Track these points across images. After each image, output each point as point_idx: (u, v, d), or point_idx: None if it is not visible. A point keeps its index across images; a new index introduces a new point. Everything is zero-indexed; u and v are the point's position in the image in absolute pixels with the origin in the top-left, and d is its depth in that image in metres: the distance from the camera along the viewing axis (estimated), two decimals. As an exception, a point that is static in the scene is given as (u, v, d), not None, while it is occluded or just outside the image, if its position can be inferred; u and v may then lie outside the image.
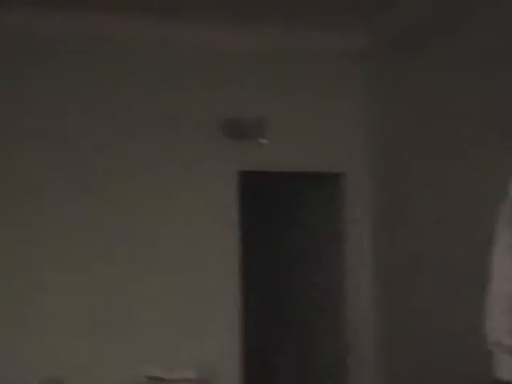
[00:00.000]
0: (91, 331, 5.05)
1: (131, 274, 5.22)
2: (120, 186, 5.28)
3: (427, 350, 4.87)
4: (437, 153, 4.90)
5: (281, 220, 6.79)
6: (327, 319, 5.89)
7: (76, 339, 5.03)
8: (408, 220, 5.22)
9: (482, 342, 2.59)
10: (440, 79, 4.91)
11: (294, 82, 5.65)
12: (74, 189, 5.17)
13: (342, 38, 5.66)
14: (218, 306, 5.33)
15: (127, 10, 5.13)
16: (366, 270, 5.61)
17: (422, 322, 4.97)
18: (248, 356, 5.68)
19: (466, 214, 4.53)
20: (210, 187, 5.43)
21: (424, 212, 5.02)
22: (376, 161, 5.63)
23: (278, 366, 6.81)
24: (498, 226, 2.66)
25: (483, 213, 4.07)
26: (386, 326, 5.44)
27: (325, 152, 5.68)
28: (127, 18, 5.25)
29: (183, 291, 5.30)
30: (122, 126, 5.32)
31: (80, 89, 5.25)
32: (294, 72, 5.65)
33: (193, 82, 5.46)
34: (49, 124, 5.18)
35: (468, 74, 4.60)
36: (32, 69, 5.17)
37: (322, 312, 5.98)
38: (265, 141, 5.51)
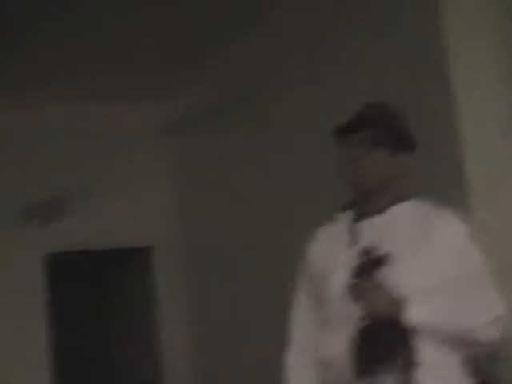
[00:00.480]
0: None
1: None
2: None
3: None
4: (238, 222, 5.05)
5: (93, 302, 6.63)
6: None
7: None
8: (216, 283, 5.28)
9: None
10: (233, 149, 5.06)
11: (97, 158, 5.58)
12: None
13: (145, 114, 5.63)
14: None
15: None
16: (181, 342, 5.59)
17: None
18: None
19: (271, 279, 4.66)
20: (15, 275, 5.21)
21: (231, 282, 5.13)
22: (185, 233, 5.64)
23: None
24: (298, 287, 2.71)
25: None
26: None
27: (132, 227, 5.62)
28: None
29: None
30: None
31: None
32: (96, 148, 5.58)
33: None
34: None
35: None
36: None
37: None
38: (66, 219, 5.36)
